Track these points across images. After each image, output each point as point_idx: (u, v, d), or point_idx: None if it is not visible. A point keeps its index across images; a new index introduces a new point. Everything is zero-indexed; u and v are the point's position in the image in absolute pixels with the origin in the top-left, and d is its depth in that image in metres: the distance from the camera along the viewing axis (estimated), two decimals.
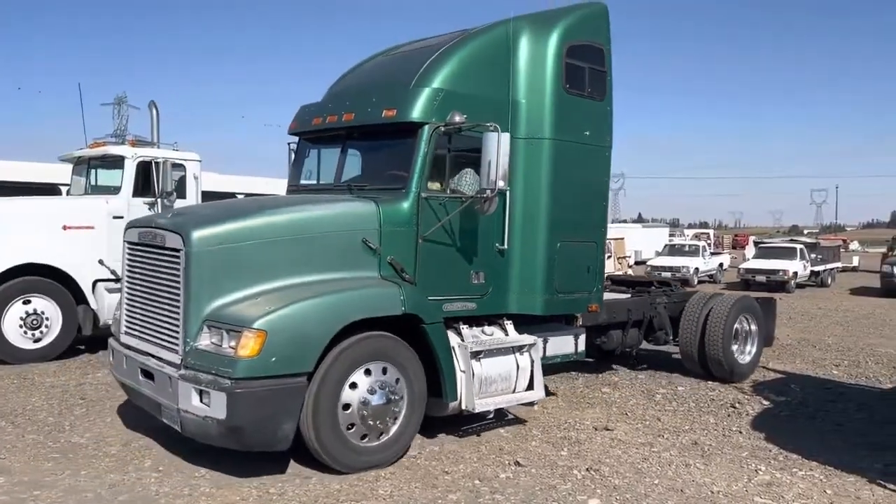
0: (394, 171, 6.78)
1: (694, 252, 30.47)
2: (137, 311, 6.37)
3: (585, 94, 7.64)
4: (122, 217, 10.77)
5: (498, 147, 6.26)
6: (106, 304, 10.56)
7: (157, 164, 10.98)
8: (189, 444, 6.51)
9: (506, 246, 7.05)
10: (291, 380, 5.42)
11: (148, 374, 6.00)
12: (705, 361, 9.65)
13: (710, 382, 9.58)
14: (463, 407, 6.51)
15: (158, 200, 11.07)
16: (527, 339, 7.13)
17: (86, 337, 10.79)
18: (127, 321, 6.53)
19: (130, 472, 5.81)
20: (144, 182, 11.03)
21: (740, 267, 28.29)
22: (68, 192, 12.37)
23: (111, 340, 6.94)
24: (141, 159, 10.99)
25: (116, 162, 11.06)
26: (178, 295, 5.74)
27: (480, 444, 6.68)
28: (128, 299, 6.55)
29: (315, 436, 5.61)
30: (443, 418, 6.75)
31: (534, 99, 7.27)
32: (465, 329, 6.82)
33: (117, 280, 10.73)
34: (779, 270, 25.89)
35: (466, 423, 7.12)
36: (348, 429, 5.78)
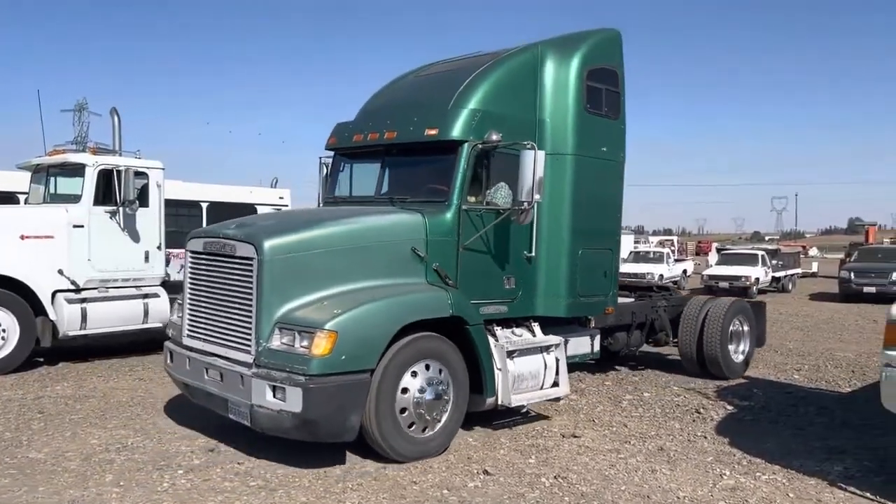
0: (435, 185, 7.37)
1: (658, 259, 30.91)
2: (202, 315, 6.83)
3: (603, 113, 8.43)
4: (82, 226, 10.61)
5: (535, 163, 6.88)
6: (66, 315, 10.34)
7: (118, 172, 10.79)
8: (151, 458, 6.41)
9: (533, 253, 7.69)
10: (358, 376, 5.93)
11: (215, 374, 6.44)
12: (703, 360, 10.31)
13: (674, 388, 9.71)
14: (500, 402, 7.04)
15: (120, 209, 10.89)
16: (553, 339, 7.73)
17: (44, 349, 10.55)
18: (190, 325, 6.98)
19: (91, 488, 5.67)
20: (106, 190, 10.84)
21: (703, 273, 28.72)
22: (26, 201, 12.11)
23: (168, 343, 7.36)
24: (102, 167, 10.79)
25: (77, 170, 10.85)
26: (249, 300, 6.22)
27: (449, 452, 6.66)
28: (191, 305, 7.00)
29: (377, 427, 6.10)
30: None
31: (558, 118, 7.99)
32: (498, 330, 7.38)
33: (78, 290, 10.53)
34: (741, 276, 26.36)
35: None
36: (405, 421, 6.31)
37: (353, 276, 6.50)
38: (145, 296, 11.30)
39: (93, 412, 8.03)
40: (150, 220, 11.38)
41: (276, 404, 5.81)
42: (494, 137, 7.14)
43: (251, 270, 6.23)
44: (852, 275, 25.24)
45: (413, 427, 6.39)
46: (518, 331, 7.66)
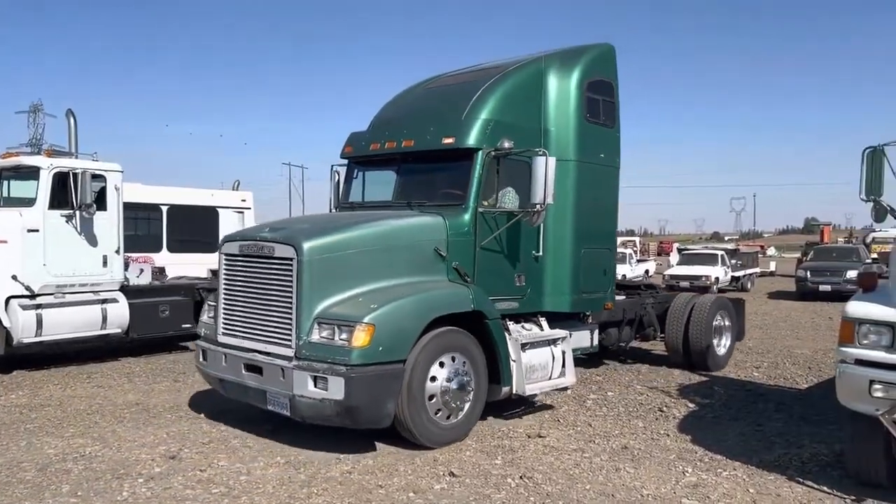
0: (451, 190, 7.90)
1: (620, 259, 31.17)
2: (238, 314, 7.23)
3: (601, 122, 9.16)
4: (37, 230, 10.35)
5: (546, 168, 7.44)
6: (20, 322, 10.08)
7: (74, 174, 10.55)
8: (110, 466, 6.27)
9: (541, 253, 8.30)
10: (393, 366, 6.41)
11: (252, 368, 6.88)
12: (689, 353, 11.01)
13: (638, 387, 9.82)
14: (514, 391, 7.57)
15: (77, 213, 10.65)
16: (560, 332, 8.28)
17: None
18: (226, 323, 7.36)
19: (47, 499, 5.53)
20: (62, 194, 10.59)
21: (665, 273, 29.13)
22: None
23: (200, 342, 7.76)
24: (58, 170, 10.54)
25: (31, 173, 10.58)
26: (289, 298, 6.67)
27: (415, 455, 6.65)
28: (226, 304, 7.39)
29: (409, 414, 6.58)
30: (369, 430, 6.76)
31: (561, 126, 8.65)
32: (511, 325, 7.84)
33: (33, 296, 10.27)
34: (701, 276, 26.78)
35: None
36: (433, 409, 6.81)
37: (383, 273, 7.01)
38: (104, 301, 11.07)
39: (49, 421, 7.83)
40: (109, 224, 11.14)
41: (319, 393, 6.27)
42: (507, 145, 7.68)
43: (291, 270, 6.68)
44: (808, 274, 25.83)
45: (439, 414, 6.89)
46: (527, 325, 8.19)
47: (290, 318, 6.66)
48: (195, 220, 16.05)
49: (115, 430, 7.47)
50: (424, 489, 5.81)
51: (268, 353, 6.81)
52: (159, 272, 13.11)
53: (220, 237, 16.21)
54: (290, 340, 6.63)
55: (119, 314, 11.19)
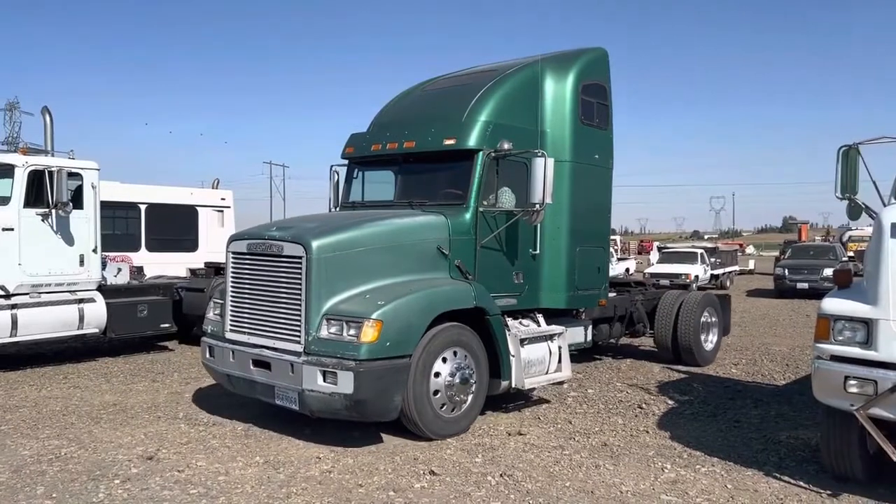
0: (452, 190, 8.09)
1: None
2: (246, 311, 7.38)
3: (594, 124, 9.41)
4: (12, 229, 10.21)
5: (545, 168, 7.66)
6: None
7: (50, 172, 10.41)
8: (86, 468, 6.19)
9: (538, 251, 8.57)
10: (400, 360, 6.62)
11: (260, 364, 7.03)
12: (677, 349, 11.28)
13: (617, 384, 9.87)
14: (513, 385, 7.78)
15: (53, 211, 10.51)
16: (556, 328, 8.51)
17: None
18: (233, 320, 7.51)
19: (21, 501, 5.45)
20: (37, 192, 10.44)
21: (645, 271, 29.30)
22: None
23: (206, 339, 7.86)
24: (33, 168, 10.40)
25: (6, 171, 10.41)
26: (298, 294, 6.84)
27: (395, 454, 6.63)
28: (234, 302, 7.53)
29: (414, 407, 6.77)
30: (349, 430, 6.68)
31: (557, 128, 8.88)
32: (509, 321, 8.03)
33: (8, 296, 10.12)
34: (681, 274, 26.97)
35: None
36: (437, 402, 7.02)
37: (389, 271, 7.20)
38: (80, 301, 10.94)
39: (24, 422, 7.72)
40: (85, 223, 11.00)
41: (328, 388, 6.44)
42: (506, 146, 7.88)
43: (300, 268, 6.84)
44: (786, 271, 26.12)
45: (444, 408, 7.08)
46: (525, 321, 8.43)
47: (299, 315, 6.81)
48: (174, 219, 15.94)
49: (92, 431, 7.39)
50: (405, 488, 5.80)
51: (276, 349, 6.96)
52: (137, 271, 12.99)
53: (199, 236, 16.24)
54: (298, 336, 6.79)
55: (96, 314, 11.06)
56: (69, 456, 6.56)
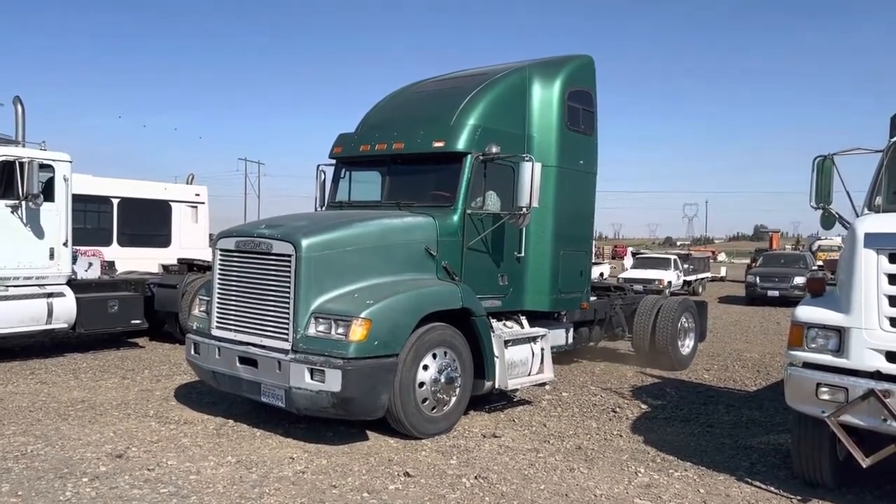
0: (440, 192, 8.17)
1: None
2: (233, 308, 7.36)
3: (580, 130, 9.53)
4: None
5: (532, 173, 7.74)
6: None
7: (21, 164, 10.20)
8: (53, 465, 6.06)
9: (523, 254, 8.62)
10: (388, 359, 6.68)
11: (247, 361, 7.03)
12: (655, 353, 11.39)
13: (592, 388, 9.91)
14: (497, 386, 7.83)
15: (23, 203, 10.30)
16: (539, 330, 8.62)
17: None
18: (220, 317, 7.47)
19: None
20: (7, 183, 10.23)
21: (619, 277, 29.49)
22: None
23: (192, 336, 7.84)
24: (2, 158, 10.18)
25: None
26: (286, 293, 6.85)
27: (370, 455, 6.59)
28: (220, 299, 7.50)
29: (401, 406, 6.82)
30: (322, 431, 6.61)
31: (543, 133, 8.97)
32: (494, 322, 8.12)
33: None
34: (654, 280, 27.17)
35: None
36: (423, 401, 7.07)
37: (377, 271, 7.25)
38: (49, 295, 10.73)
39: None
40: (56, 216, 10.80)
41: (315, 385, 6.47)
42: (494, 150, 7.93)
43: (289, 266, 6.85)
44: (757, 279, 26.45)
45: (429, 406, 7.15)
46: (509, 323, 8.53)
47: (287, 313, 6.82)
48: (147, 214, 15.74)
49: (59, 428, 7.24)
50: (379, 489, 5.76)
51: (264, 347, 6.96)
52: (108, 266, 12.79)
53: (173, 232, 16.04)
54: (286, 334, 6.80)
55: (66, 309, 10.85)
56: (35, 453, 6.42)
